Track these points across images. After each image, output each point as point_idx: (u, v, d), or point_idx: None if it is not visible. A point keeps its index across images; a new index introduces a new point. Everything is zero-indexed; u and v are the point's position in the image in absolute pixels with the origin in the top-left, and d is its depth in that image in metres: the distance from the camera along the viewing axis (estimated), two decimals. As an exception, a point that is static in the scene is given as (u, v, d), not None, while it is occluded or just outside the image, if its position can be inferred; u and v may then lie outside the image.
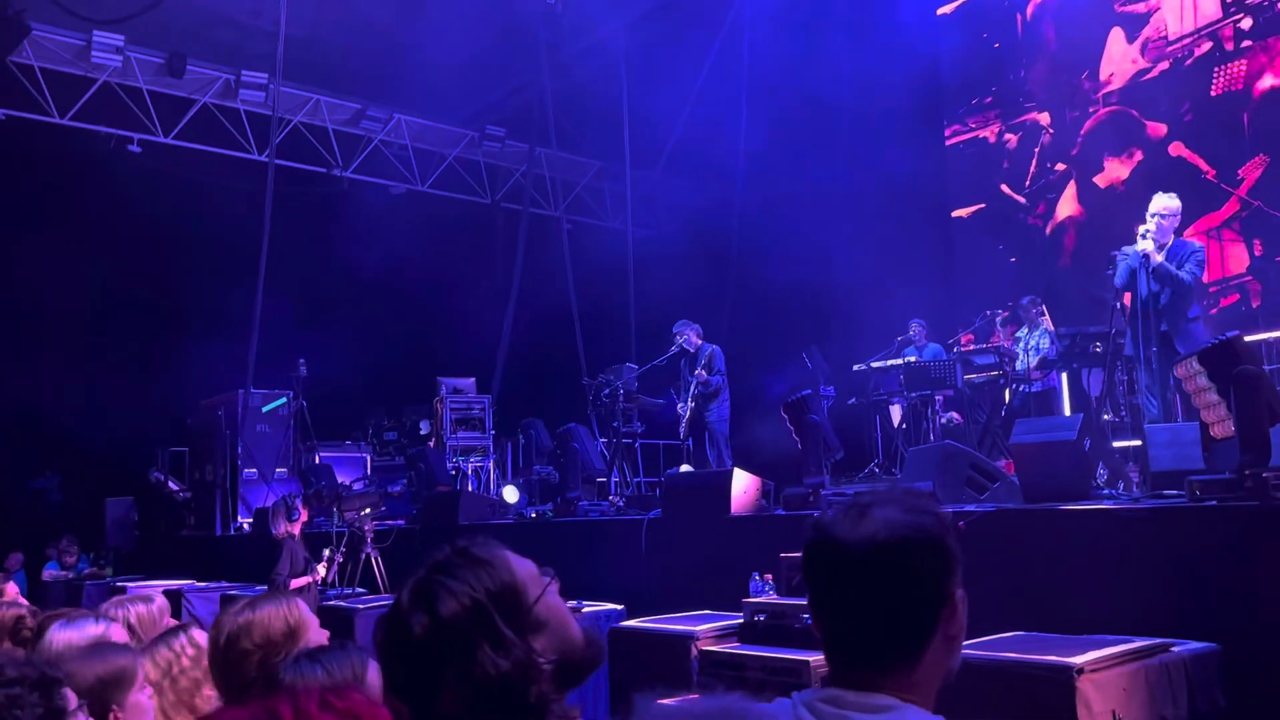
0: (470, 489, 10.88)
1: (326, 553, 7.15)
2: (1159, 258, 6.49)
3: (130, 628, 3.04)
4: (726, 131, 13.17)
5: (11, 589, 5.24)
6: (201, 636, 2.67)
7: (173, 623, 3.37)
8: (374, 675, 1.88)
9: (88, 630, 2.78)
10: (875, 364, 10.45)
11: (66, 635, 2.75)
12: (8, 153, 12.85)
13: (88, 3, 11.75)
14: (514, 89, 15.11)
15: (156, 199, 13.59)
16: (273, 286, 12.47)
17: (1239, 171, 10.52)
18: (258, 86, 13.44)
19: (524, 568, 1.51)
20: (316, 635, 2.32)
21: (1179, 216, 6.75)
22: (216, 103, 13.77)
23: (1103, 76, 11.79)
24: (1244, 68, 10.56)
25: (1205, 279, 10.42)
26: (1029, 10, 12.63)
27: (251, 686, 2.15)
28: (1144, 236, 6.46)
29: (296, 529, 6.97)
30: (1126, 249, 6.58)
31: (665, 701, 0.71)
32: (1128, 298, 6.56)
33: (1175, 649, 3.68)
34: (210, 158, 13.98)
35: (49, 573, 12.38)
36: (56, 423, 13.78)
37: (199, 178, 14.07)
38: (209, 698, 2.49)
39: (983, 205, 12.97)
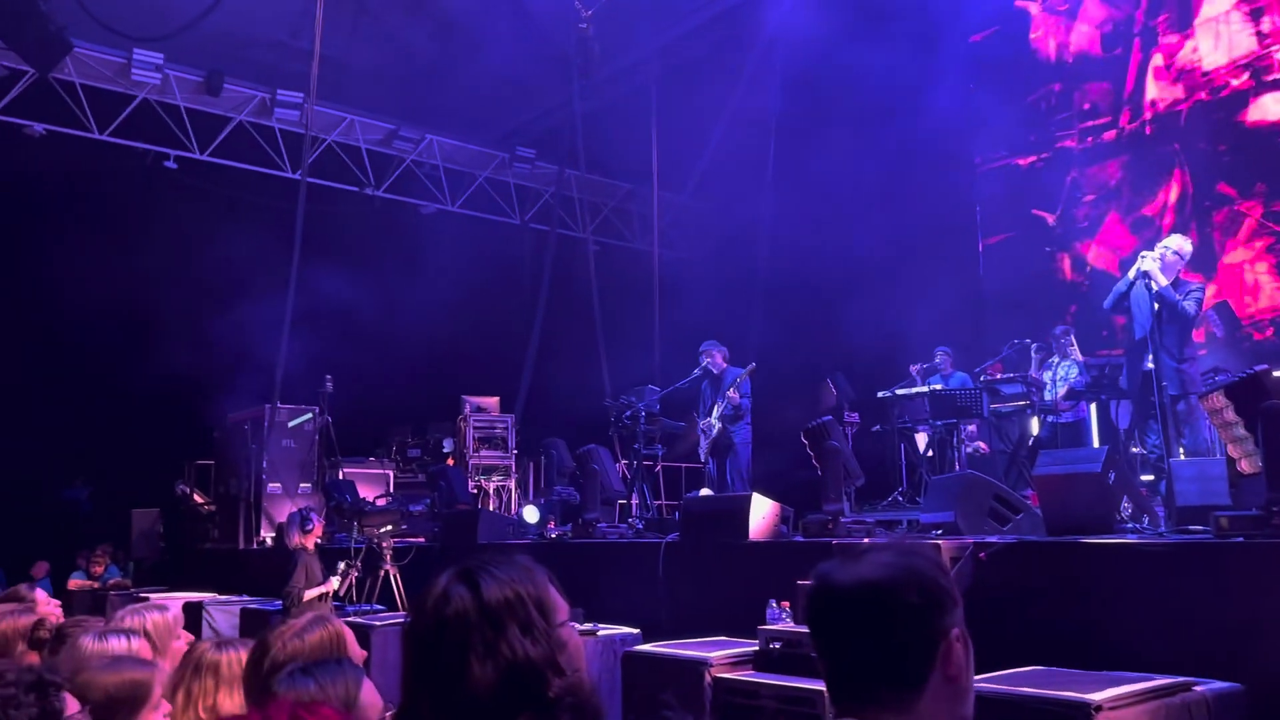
0: (492, 508, 10.88)
1: (341, 566, 7.17)
2: (1164, 280, 6.60)
3: (147, 634, 3.07)
4: (756, 155, 13.18)
5: (41, 595, 5.30)
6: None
7: (186, 635, 3.40)
8: (367, 694, 1.88)
9: (112, 643, 2.80)
10: (900, 391, 10.38)
11: (90, 645, 2.78)
12: (49, 167, 13.09)
13: (129, 21, 11.98)
14: (544, 111, 15.23)
15: (191, 215, 13.77)
16: (302, 303, 12.58)
17: (1274, 205, 10.39)
18: (293, 105, 13.62)
19: (559, 596, 1.63)
20: (355, 653, 2.33)
21: (1185, 260, 7.00)
22: (252, 121, 13.96)
23: (1142, 103, 11.71)
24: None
25: (1240, 314, 10.31)
26: (1063, 38, 12.58)
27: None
28: (1144, 257, 6.57)
29: (310, 542, 6.99)
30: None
31: None
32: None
33: (1198, 688, 3.60)
34: (244, 175, 14.17)
35: (74, 581, 12.51)
36: (87, 434, 13.95)
37: (233, 194, 14.26)
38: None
39: (1013, 233, 12.89)
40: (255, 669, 2.33)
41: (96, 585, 12.35)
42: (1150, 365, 6.56)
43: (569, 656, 1.55)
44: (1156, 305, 6.62)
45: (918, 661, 1.40)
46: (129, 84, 12.82)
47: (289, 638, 2.34)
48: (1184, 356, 6.76)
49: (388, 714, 1.88)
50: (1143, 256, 6.78)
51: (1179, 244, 7.00)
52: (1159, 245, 6.96)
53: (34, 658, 3.40)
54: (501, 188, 16.09)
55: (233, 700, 2.50)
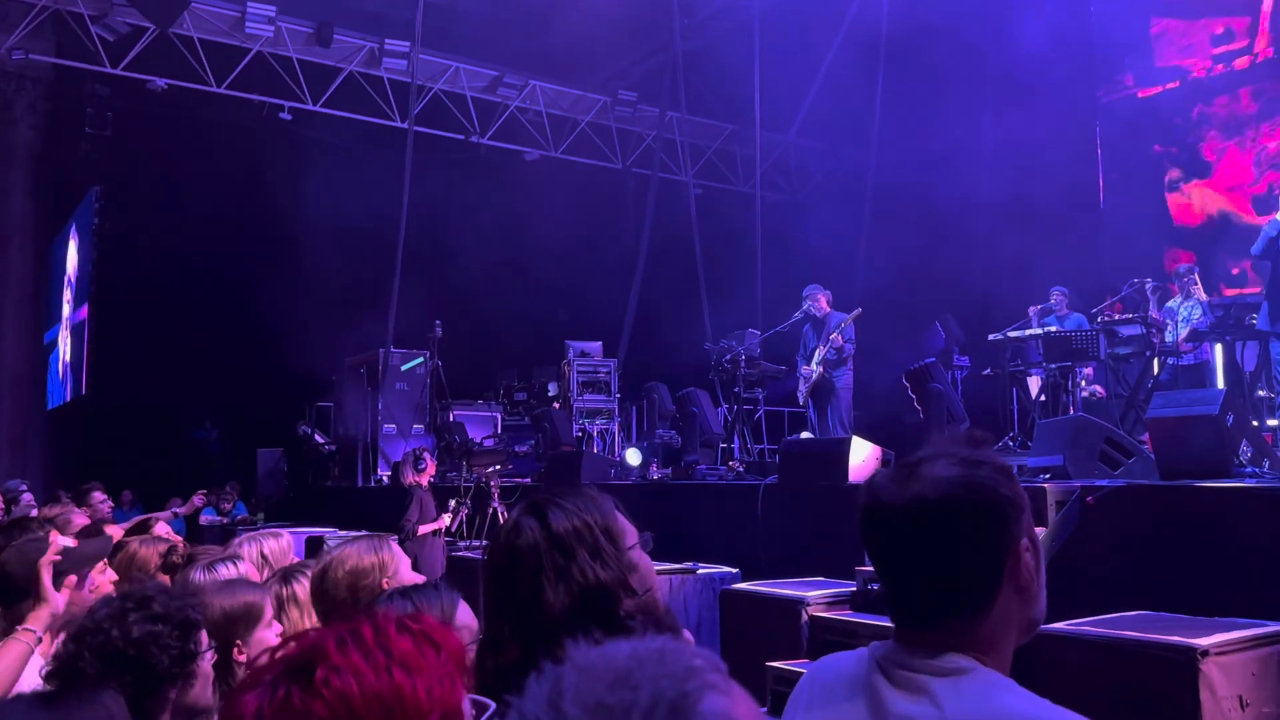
0: (595, 450, 11.06)
1: (452, 503, 7.43)
2: None
3: (264, 557, 3.28)
4: (862, 93, 12.83)
5: (162, 527, 5.61)
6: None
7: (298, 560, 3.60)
8: (463, 616, 1.97)
9: (220, 571, 2.97)
10: (1012, 334, 10.06)
11: (201, 576, 2.96)
12: (170, 120, 13.65)
13: (242, -26, 12.33)
14: (646, 53, 15.10)
15: (306, 164, 14.19)
16: (412, 250, 12.89)
17: None
18: (400, 55, 13.79)
19: (626, 522, 1.67)
20: (408, 575, 2.45)
21: None
22: (362, 71, 14.20)
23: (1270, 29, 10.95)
24: None
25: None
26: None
27: (339, 611, 2.30)
28: None
29: (424, 480, 7.27)
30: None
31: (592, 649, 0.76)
32: None
33: (1314, 636, 3.47)
34: (355, 125, 14.48)
35: (205, 518, 13.23)
36: (215, 377, 14.69)
37: (345, 144, 14.61)
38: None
39: (1135, 168, 12.28)
40: (314, 579, 2.53)
41: (225, 520, 13.05)
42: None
43: (640, 578, 1.60)
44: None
45: (983, 583, 1.30)
46: (244, 37, 13.16)
47: (335, 545, 2.54)
48: None
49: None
50: None
51: None
52: None
53: (165, 579, 3.65)
54: (603, 132, 16.08)
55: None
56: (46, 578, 2.48)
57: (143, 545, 3.90)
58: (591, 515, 1.61)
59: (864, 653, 1.41)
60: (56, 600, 2.50)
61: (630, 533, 1.66)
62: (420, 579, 2.41)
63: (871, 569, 4.86)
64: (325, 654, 0.92)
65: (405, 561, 2.53)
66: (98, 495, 9.58)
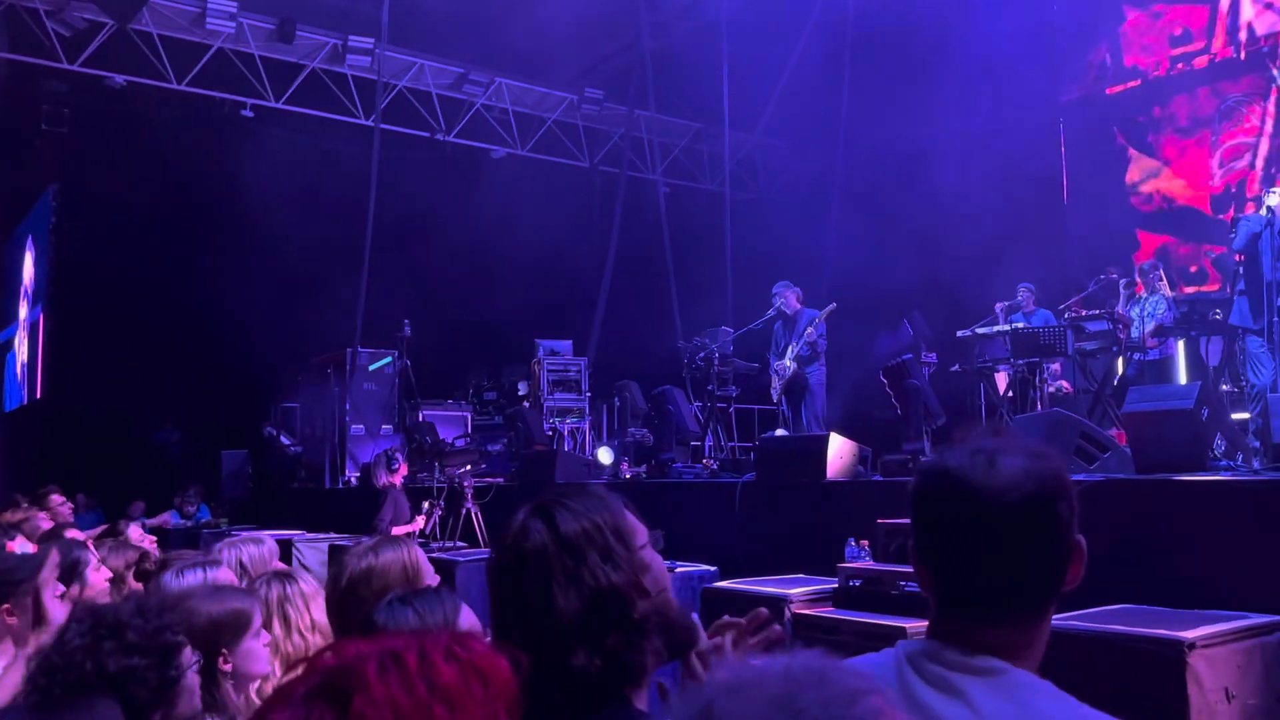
0: (566, 449, 11.00)
1: (426, 505, 7.36)
2: None
3: (242, 566, 3.19)
4: (829, 92, 12.89)
5: (135, 532, 5.48)
6: (308, 586, 2.78)
7: (280, 566, 3.52)
8: (465, 619, 1.91)
9: (188, 578, 2.87)
10: (980, 330, 10.15)
11: (170, 581, 2.86)
12: (129, 117, 13.38)
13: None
14: (613, 51, 15.06)
15: (269, 162, 13.99)
16: (378, 249, 12.75)
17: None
18: (364, 51, 13.65)
19: (636, 521, 1.64)
20: (430, 580, 2.38)
21: None
22: (325, 68, 14.03)
23: (1238, 26, 11.14)
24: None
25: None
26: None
27: (366, 629, 2.22)
28: (1273, 193, 6.27)
29: (397, 480, 7.19)
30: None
31: (739, 664, 0.71)
32: None
33: (1295, 627, 3.51)
34: (319, 122, 14.29)
35: (170, 521, 13.00)
36: (176, 378, 14.43)
37: (309, 142, 14.41)
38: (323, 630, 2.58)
39: (1098, 166, 12.45)
40: (334, 585, 2.40)
41: (189, 524, 12.84)
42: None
43: (653, 578, 1.56)
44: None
45: (1054, 579, 1.29)
46: (204, 33, 12.94)
47: (361, 553, 2.41)
48: None
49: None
50: (1271, 192, 6.51)
51: None
52: None
53: (139, 587, 3.56)
54: (570, 130, 16.01)
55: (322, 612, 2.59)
56: (46, 595, 2.37)
57: (113, 553, 3.81)
58: (601, 515, 1.56)
59: (889, 654, 1.39)
60: (58, 616, 2.40)
61: (640, 531, 1.62)
62: (437, 579, 2.35)
63: (854, 565, 4.87)
64: (365, 682, 0.86)
65: (428, 566, 2.46)
66: (56, 498, 9.37)
